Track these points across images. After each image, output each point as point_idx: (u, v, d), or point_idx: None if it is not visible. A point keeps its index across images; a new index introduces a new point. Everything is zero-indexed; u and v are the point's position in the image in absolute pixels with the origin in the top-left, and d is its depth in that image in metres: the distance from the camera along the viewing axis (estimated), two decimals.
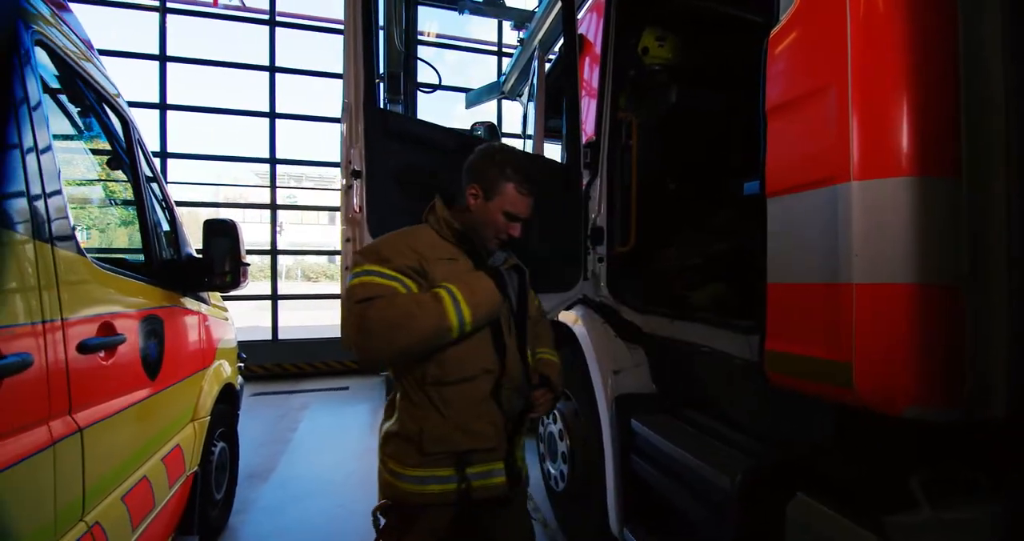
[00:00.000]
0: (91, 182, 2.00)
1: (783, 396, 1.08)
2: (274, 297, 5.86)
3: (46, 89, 1.24)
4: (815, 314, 0.92)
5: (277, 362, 5.60)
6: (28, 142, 1.08)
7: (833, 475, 0.97)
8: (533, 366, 1.24)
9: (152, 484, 1.56)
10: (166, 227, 2.02)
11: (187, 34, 5.87)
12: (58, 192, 1.16)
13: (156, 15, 5.44)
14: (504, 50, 6.40)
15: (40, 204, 1.09)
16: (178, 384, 1.83)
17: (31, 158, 1.09)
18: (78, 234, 1.25)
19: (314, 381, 5.41)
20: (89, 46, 1.57)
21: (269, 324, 5.83)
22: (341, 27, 6.13)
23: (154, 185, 1.95)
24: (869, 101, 0.84)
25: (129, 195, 1.83)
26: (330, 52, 6.11)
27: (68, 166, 1.57)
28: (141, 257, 1.79)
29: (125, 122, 1.79)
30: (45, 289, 1.07)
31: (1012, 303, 0.79)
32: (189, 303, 2.00)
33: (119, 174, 1.83)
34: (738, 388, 1.34)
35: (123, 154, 1.76)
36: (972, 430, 0.77)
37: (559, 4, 1.91)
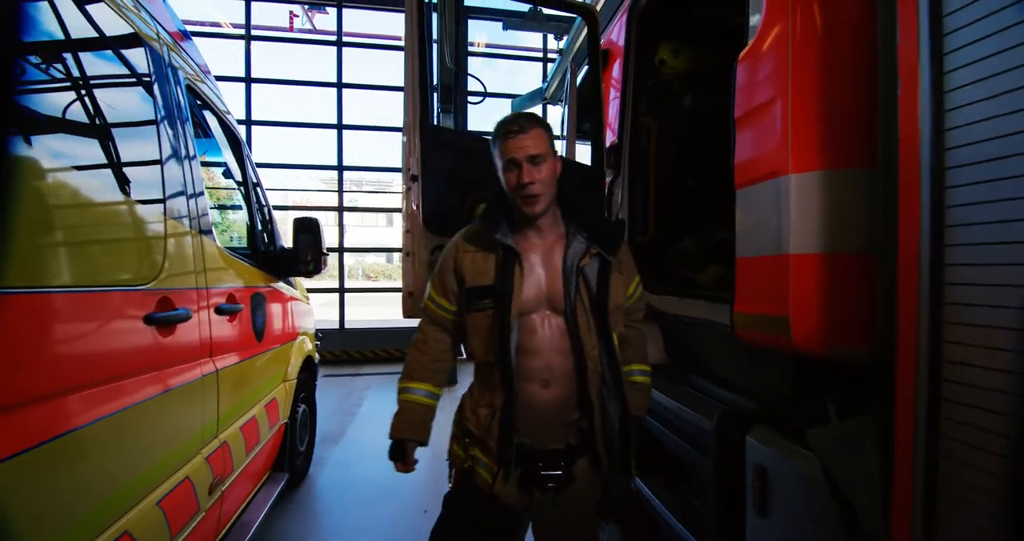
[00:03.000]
0: (215, 187, 2.51)
1: (758, 356, 1.31)
2: (341, 290, 6.50)
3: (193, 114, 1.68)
4: (766, 280, 1.15)
5: (344, 349, 6.22)
6: (189, 156, 1.52)
7: (783, 411, 1.20)
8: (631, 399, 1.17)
9: (259, 423, 2.00)
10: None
11: (266, 56, 6.63)
12: (202, 195, 1.60)
13: (243, 42, 6.21)
14: (549, 56, 6.69)
15: (195, 205, 1.52)
16: (274, 349, 2.28)
17: (192, 167, 1.53)
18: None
19: (375, 366, 5.97)
20: (205, 70, 2.00)
21: (337, 316, 6.47)
22: (397, 43, 6.67)
23: (257, 189, 2.42)
24: (802, 110, 1.07)
25: (239, 197, 2.31)
26: (388, 64, 6.67)
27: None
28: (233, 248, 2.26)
29: (235, 136, 2.27)
30: (198, 266, 1.51)
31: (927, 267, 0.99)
32: (282, 286, 2.46)
33: (228, 179, 2.31)
34: (726, 352, 1.57)
35: (237, 164, 2.24)
36: (883, 367, 0.98)
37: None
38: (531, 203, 1.06)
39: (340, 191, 6.51)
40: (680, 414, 1.53)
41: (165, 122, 1.41)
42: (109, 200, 1.13)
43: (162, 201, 1.32)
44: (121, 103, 1.26)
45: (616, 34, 2.35)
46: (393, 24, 6.93)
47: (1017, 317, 0.67)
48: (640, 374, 1.28)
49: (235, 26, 6.34)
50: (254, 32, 6.25)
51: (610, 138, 2.31)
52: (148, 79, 1.35)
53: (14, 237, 0.80)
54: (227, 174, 2.27)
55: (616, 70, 2.31)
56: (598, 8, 2.48)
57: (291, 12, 6.44)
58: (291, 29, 6.49)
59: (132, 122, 1.29)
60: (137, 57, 1.31)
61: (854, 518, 0.91)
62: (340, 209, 6.49)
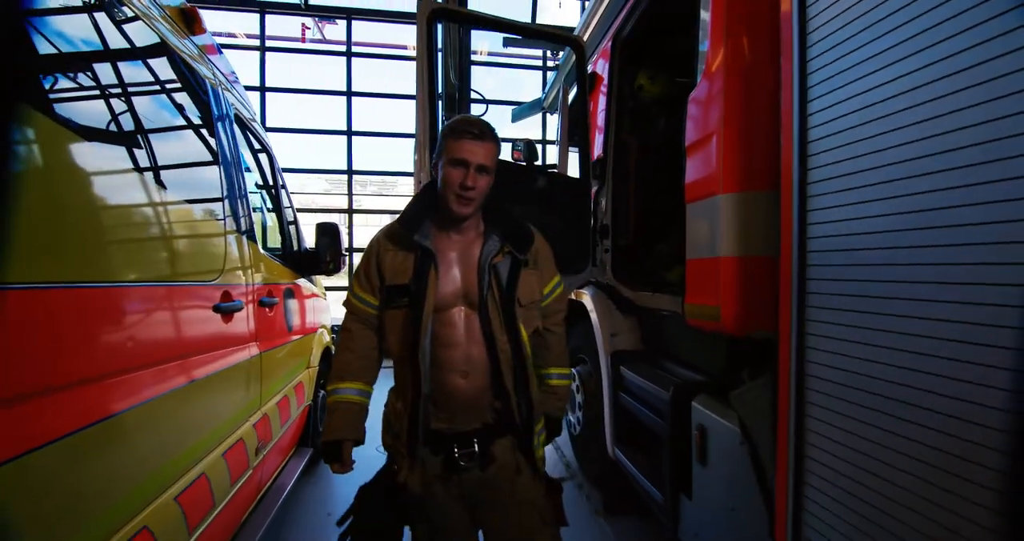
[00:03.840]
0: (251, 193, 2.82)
1: (705, 339, 1.61)
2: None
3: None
4: (706, 278, 1.45)
5: None
6: (239, 170, 1.83)
7: (721, 380, 1.50)
8: (537, 395, 1.21)
9: (290, 401, 2.32)
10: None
11: (279, 66, 6.95)
12: (247, 202, 1.91)
13: (257, 53, 6.54)
14: (549, 65, 6.98)
15: (242, 211, 1.83)
16: (300, 339, 2.59)
17: (241, 179, 1.84)
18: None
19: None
20: (244, 97, 2.31)
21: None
22: (402, 53, 6.93)
23: (284, 195, 2.74)
24: (729, 145, 1.37)
25: (270, 202, 2.63)
26: (394, 73, 6.97)
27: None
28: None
29: (266, 148, 2.58)
30: (245, 265, 1.82)
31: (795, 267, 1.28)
32: (305, 283, 2.77)
33: (260, 187, 2.62)
34: (685, 337, 1.87)
35: (269, 172, 2.55)
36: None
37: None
38: (464, 204, 1.10)
39: (350, 194, 6.83)
40: (646, 389, 1.84)
41: (224, 146, 1.72)
42: (188, 211, 1.44)
43: (222, 209, 1.63)
44: (196, 134, 1.57)
45: (601, 60, 2.65)
46: (398, 34, 7.25)
47: (854, 304, 0.96)
48: (557, 378, 1.32)
49: (249, 37, 6.67)
50: (268, 43, 6.58)
51: (597, 152, 2.61)
52: (211, 115, 1.67)
53: (130, 244, 1.12)
54: (260, 183, 2.58)
55: (602, 92, 2.61)
56: (584, 37, 2.78)
57: (303, 24, 6.76)
58: (303, 40, 6.82)
59: (202, 148, 1.61)
60: (204, 98, 1.63)
61: (756, 453, 1.21)
62: (350, 211, 6.82)
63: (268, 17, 6.53)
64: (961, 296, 0.75)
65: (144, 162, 1.21)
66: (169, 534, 1.16)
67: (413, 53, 7.13)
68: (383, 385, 1.25)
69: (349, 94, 6.67)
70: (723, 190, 1.37)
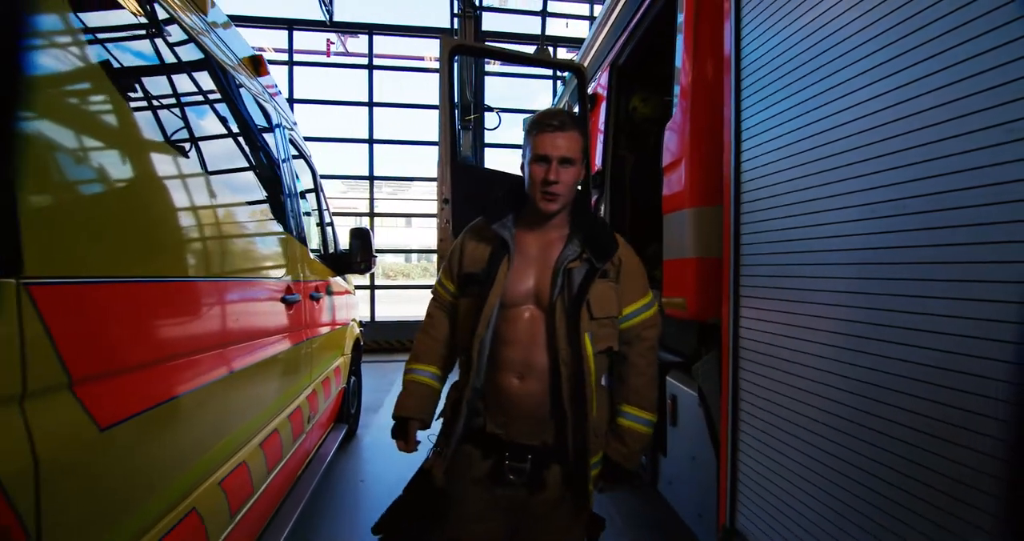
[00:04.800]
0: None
1: (682, 327, 1.94)
2: (372, 287, 7.27)
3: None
4: (677, 275, 1.78)
5: (375, 339, 6.97)
6: (294, 182, 2.22)
7: (691, 359, 1.84)
8: (597, 423, 1.12)
9: (330, 382, 2.70)
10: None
11: (305, 80, 7.40)
12: (299, 206, 2.29)
13: (286, 68, 7.00)
14: (559, 75, 7.31)
15: (297, 218, 2.22)
16: (338, 329, 2.98)
17: (296, 190, 2.22)
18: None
19: (404, 354, 6.68)
20: (293, 120, 2.71)
21: (368, 311, 7.22)
22: (418, 64, 7.29)
23: (324, 202, 3.13)
24: (693, 168, 1.70)
25: (312, 208, 3.02)
26: (411, 83, 7.36)
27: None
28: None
29: (308, 161, 2.97)
30: (300, 264, 2.20)
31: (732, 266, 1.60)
32: (339, 280, 3.16)
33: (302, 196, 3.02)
34: (669, 326, 2.20)
35: (312, 182, 2.95)
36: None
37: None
38: (550, 201, 1.07)
39: (371, 198, 7.26)
40: None
41: (284, 163, 2.11)
42: (267, 221, 1.82)
43: (284, 218, 2.02)
44: (264, 155, 1.96)
45: (602, 83, 2.98)
46: (415, 46, 7.65)
47: (773, 294, 1.29)
48: (630, 419, 1.16)
49: (278, 51, 7.13)
50: (296, 57, 7.04)
51: (596, 165, 2.94)
52: (278, 143, 2.06)
53: (233, 246, 1.50)
54: (305, 193, 2.98)
55: (601, 112, 2.95)
56: (585, 63, 3.12)
57: (328, 40, 7.20)
58: (328, 54, 7.26)
59: (275, 169, 1.99)
60: (272, 129, 2.02)
61: (709, 412, 1.55)
62: (371, 214, 7.25)
63: (296, 33, 6.98)
64: (847, 287, 1.08)
65: (241, 184, 1.60)
66: (258, 471, 1.53)
67: (428, 64, 7.55)
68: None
69: (371, 105, 7.09)
70: (688, 204, 1.70)
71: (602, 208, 2.89)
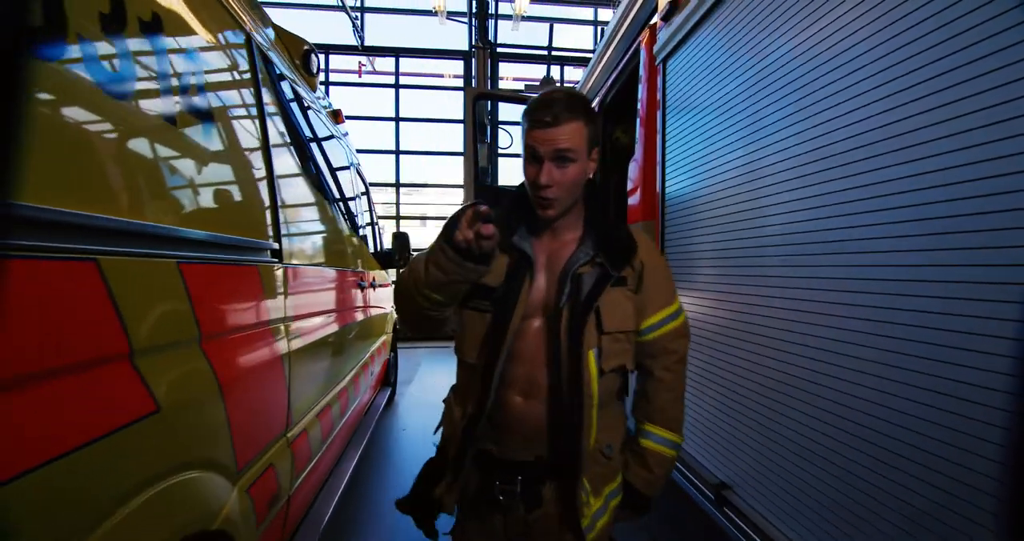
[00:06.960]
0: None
1: None
2: (398, 283, 8.12)
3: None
4: None
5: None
6: (357, 191, 3.04)
7: None
8: (624, 463, 1.06)
9: (382, 350, 3.51)
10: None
11: (338, 95, 8.28)
12: (360, 214, 3.10)
13: (321, 87, 7.85)
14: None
15: (359, 221, 3.02)
16: (383, 312, 3.78)
17: (359, 197, 3.03)
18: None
19: (426, 342, 7.52)
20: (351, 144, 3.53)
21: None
22: (440, 82, 8.08)
23: (372, 206, 3.95)
24: (644, 193, 2.46)
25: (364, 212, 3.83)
26: (434, 100, 8.17)
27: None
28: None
29: (360, 174, 3.78)
30: (362, 260, 3.00)
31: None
32: (383, 273, 3.97)
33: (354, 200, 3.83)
34: None
35: (364, 186, 3.76)
36: None
37: None
38: (543, 206, 0.93)
39: (397, 203, 8.11)
40: None
41: (356, 178, 2.92)
42: (351, 225, 2.62)
43: (355, 221, 2.82)
44: (342, 173, 2.77)
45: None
46: (434, 64, 8.46)
47: (693, 286, 2.03)
48: (654, 440, 1.06)
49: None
50: (332, 77, 7.90)
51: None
52: (351, 165, 2.87)
53: (330, 247, 2.32)
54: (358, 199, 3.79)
55: None
56: None
57: (360, 61, 8.06)
58: (359, 75, 8.12)
59: (355, 185, 2.80)
60: (348, 158, 2.83)
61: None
62: (398, 218, 8.10)
63: (331, 56, 7.85)
64: (750, 281, 1.83)
65: (345, 205, 2.41)
66: (342, 407, 2.32)
67: (449, 83, 8.35)
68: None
69: (397, 120, 7.93)
70: (641, 218, 2.47)
71: None
